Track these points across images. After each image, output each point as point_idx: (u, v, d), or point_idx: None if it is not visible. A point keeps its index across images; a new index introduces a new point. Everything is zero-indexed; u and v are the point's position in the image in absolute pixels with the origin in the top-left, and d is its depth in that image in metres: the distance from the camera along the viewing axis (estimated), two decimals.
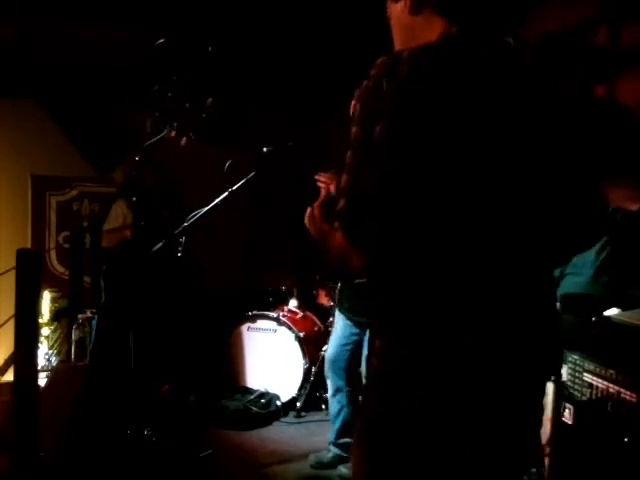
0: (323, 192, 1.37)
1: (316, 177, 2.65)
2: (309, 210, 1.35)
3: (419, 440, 1.15)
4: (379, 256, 1.15)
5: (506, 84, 1.17)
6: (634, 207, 2.03)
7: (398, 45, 1.33)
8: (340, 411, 3.29)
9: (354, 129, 1.13)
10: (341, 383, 3.30)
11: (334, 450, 3.34)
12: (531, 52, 1.26)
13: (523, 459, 1.30)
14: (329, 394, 3.37)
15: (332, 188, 2.63)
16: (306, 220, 1.37)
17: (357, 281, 1.30)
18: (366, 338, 3.12)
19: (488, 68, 1.17)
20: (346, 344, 3.27)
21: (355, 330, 3.25)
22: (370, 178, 1.09)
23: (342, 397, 3.29)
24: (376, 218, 1.11)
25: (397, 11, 1.31)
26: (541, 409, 1.28)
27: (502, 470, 1.22)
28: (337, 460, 3.30)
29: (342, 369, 3.29)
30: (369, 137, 1.10)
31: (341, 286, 3.44)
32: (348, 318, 3.28)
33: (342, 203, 1.13)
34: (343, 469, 3.24)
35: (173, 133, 3.04)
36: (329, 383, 3.36)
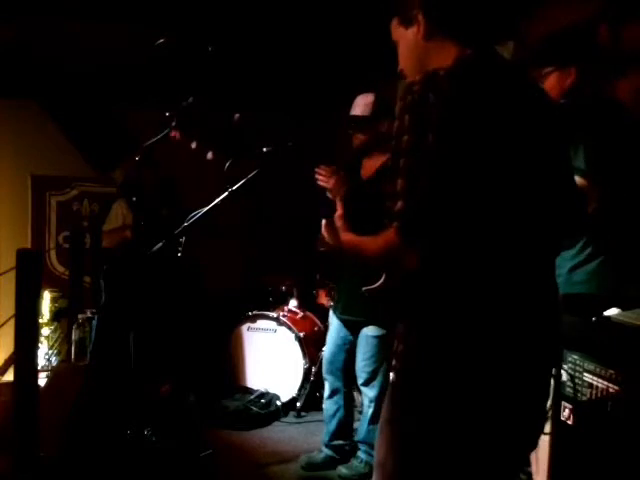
0: (339, 204, 1.47)
1: (316, 170, 2.65)
2: (325, 222, 1.48)
3: (453, 428, 1.27)
4: (432, 258, 1.25)
5: (525, 99, 1.31)
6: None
7: (408, 69, 1.43)
8: (336, 412, 3.29)
9: (406, 137, 1.22)
10: (339, 384, 3.29)
11: (326, 451, 3.32)
12: (521, 66, 1.48)
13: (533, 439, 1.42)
14: (325, 395, 3.35)
15: (331, 183, 2.63)
16: (324, 230, 1.50)
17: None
18: (360, 336, 3.15)
19: (506, 86, 1.29)
20: (342, 345, 3.27)
21: (348, 331, 3.25)
22: (425, 182, 1.19)
23: (339, 398, 3.28)
24: (431, 219, 1.21)
25: (408, 37, 1.40)
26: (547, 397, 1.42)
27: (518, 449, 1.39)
28: (329, 462, 3.29)
29: (339, 370, 3.29)
30: (421, 144, 1.19)
31: (337, 287, 3.43)
32: (340, 319, 3.29)
33: (400, 206, 1.22)
34: (343, 469, 3.23)
35: (174, 133, 3.04)
36: (326, 384, 3.36)
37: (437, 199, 1.19)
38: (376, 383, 3.13)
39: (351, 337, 3.24)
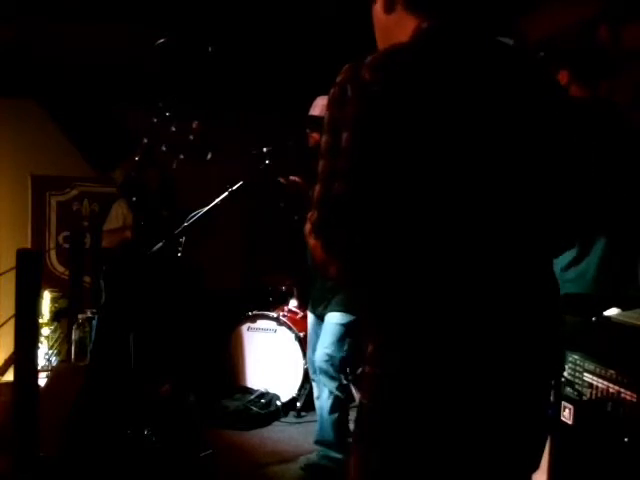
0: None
1: (280, 179, 2.65)
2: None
3: (420, 445, 1.13)
4: (358, 263, 1.13)
5: (480, 80, 1.13)
6: None
7: (379, 46, 1.30)
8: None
9: (324, 138, 1.11)
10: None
11: (322, 451, 3.31)
12: (507, 49, 1.22)
13: (531, 460, 1.26)
14: (315, 395, 3.35)
15: (294, 189, 2.62)
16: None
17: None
18: (323, 325, 3.18)
19: (460, 64, 1.12)
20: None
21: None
22: (340, 188, 1.07)
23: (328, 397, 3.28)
24: (348, 228, 1.08)
25: (375, 11, 1.29)
26: (546, 408, 1.27)
27: (509, 471, 1.21)
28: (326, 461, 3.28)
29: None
30: (337, 145, 1.08)
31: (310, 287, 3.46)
32: (313, 315, 3.32)
33: (314, 214, 1.11)
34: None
35: (173, 133, 3.04)
36: (314, 385, 3.35)
37: (351, 206, 1.06)
38: (334, 374, 3.12)
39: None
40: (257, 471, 3.32)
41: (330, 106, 1.11)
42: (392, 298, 1.13)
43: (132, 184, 3.99)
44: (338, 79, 1.10)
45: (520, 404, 1.16)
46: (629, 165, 2.19)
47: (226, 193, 3.04)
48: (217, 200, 3.01)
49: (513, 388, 1.15)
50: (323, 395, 3.20)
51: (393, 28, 1.24)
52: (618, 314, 1.89)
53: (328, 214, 1.09)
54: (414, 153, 1.07)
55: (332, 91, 1.11)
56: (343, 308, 3.13)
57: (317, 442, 3.30)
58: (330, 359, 3.12)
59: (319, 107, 3.08)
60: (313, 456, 3.34)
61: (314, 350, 3.28)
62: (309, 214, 1.17)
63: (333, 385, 3.14)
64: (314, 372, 3.31)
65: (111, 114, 4.96)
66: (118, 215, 4.09)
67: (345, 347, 3.14)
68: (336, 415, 3.16)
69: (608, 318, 1.89)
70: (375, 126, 1.06)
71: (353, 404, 3.38)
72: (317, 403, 3.32)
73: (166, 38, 3.61)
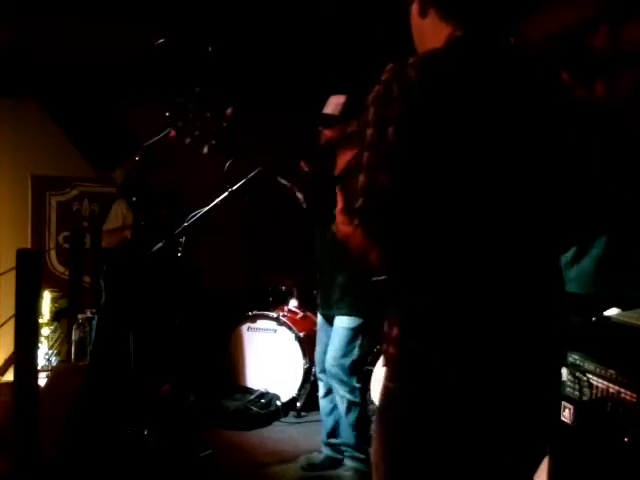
0: (340, 199, 1.39)
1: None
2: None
3: (442, 432, 1.19)
4: (397, 252, 1.21)
5: (510, 85, 1.21)
6: None
7: (416, 44, 1.36)
8: (332, 411, 3.28)
9: (369, 131, 1.18)
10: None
11: (326, 451, 3.32)
12: (532, 53, 1.29)
13: (543, 444, 1.35)
14: (320, 394, 3.35)
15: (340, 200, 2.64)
16: (333, 226, 1.42)
17: (375, 279, 1.34)
18: (333, 328, 3.16)
19: (493, 71, 1.21)
20: (328, 343, 3.27)
21: (331, 327, 3.25)
22: (385, 178, 1.14)
23: (333, 397, 3.28)
24: (392, 216, 1.16)
25: (413, 12, 1.35)
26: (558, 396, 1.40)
27: (524, 457, 1.30)
28: (328, 462, 3.28)
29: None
30: (383, 139, 1.15)
31: (317, 284, 3.45)
32: (322, 315, 3.31)
33: (360, 202, 1.18)
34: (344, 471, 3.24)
35: (173, 133, 3.04)
36: (320, 383, 3.36)
37: (396, 196, 1.15)
38: (345, 378, 3.11)
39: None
40: (257, 471, 3.33)
41: (375, 102, 1.18)
42: (424, 285, 1.21)
43: (132, 184, 3.99)
44: (383, 77, 1.17)
45: (528, 389, 1.24)
46: (628, 165, 2.19)
47: (226, 193, 3.04)
48: (217, 200, 3.01)
49: (522, 373, 1.22)
50: (337, 400, 3.21)
51: (427, 32, 1.31)
52: (618, 314, 1.89)
53: (373, 202, 1.16)
54: (449, 150, 1.15)
55: (377, 88, 1.18)
56: (351, 312, 3.11)
57: (328, 444, 3.31)
58: (340, 364, 3.11)
59: (332, 105, 3.10)
60: (315, 455, 3.35)
61: (322, 349, 3.29)
62: (339, 207, 1.29)
63: (345, 389, 3.13)
64: (320, 371, 3.31)
65: (111, 114, 4.96)
66: (118, 215, 4.09)
67: (356, 350, 3.12)
68: (353, 417, 3.15)
69: (608, 318, 1.89)
70: (419, 123, 1.14)
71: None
72: (321, 402, 3.34)
73: (166, 38, 3.61)
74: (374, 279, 1.45)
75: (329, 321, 3.25)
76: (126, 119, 4.88)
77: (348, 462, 3.20)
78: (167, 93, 3.43)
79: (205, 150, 2.48)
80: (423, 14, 1.30)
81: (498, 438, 1.22)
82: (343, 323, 3.13)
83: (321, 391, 3.35)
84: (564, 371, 1.96)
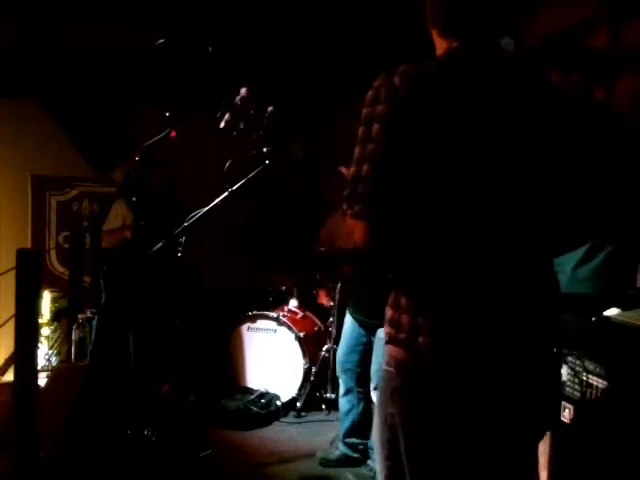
0: None
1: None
2: None
3: (440, 420, 1.28)
4: (383, 232, 1.32)
5: (493, 90, 1.33)
6: None
7: None
8: (350, 411, 3.29)
9: (360, 129, 1.31)
10: (351, 384, 3.29)
11: (342, 449, 3.35)
12: (528, 59, 1.46)
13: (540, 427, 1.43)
14: (340, 393, 3.38)
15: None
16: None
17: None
18: (375, 339, 3.09)
19: (476, 77, 1.33)
20: (355, 345, 3.26)
21: (362, 331, 3.23)
22: (368, 168, 1.28)
23: (352, 397, 3.28)
24: (373, 201, 1.28)
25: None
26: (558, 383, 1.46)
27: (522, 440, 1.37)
28: (344, 459, 3.31)
29: (352, 370, 3.28)
30: (369, 135, 1.29)
31: (349, 287, 3.44)
32: (354, 319, 3.28)
33: (347, 189, 1.32)
34: (350, 476, 3.24)
35: (173, 133, 3.04)
36: (341, 383, 3.37)
37: (376, 184, 1.27)
38: None
39: (366, 338, 3.21)
40: (257, 471, 3.33)
41: (366, 104, 1.32)
42: (405, 268, 1.34)
43: (132, 184, 3.99)
44: (375, 84, 1.32)
45: (528, 375, 1.32)
46: (628, 166, 2.19)
47: (226, 193, 3.04)
48: (217, 200, 3.01)
49: (521, 362, 1.31)
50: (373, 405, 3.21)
51: (436, 44, 1.43)
52: (618, 314, 1.89)
53: (357, 190, 1.29)
54: (427, 148, 1.27)
55: (369, 93, 1.32)
56: None
57: (346, 443, 3.33)
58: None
59: None
60: (331, 451, 3.40)
61: (345, 350, 3.29)
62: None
63: None
64: (341, 370, 3.33)
65: (111, 114, 4.96)
66: (118, 215, 4.09)
67: None
68: None
69: (608, 318, 1.89)
70: (399, 122, 1.27)
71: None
72: (340, 401, 3.37)
73: (166, 38, 3.60)
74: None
75: (364, 326, 3.21)
76: (126, 119, 4.88)
77: (372, 463, 3.20)
78: (167, 93, 3.44)
79: (225, 168, 2.56)
80: (430, 28, 1.43)
81: (489, 427, 1.30)
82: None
83: (341, 390, 3.36)
84: (564, 371, 1.96)
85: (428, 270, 1.30)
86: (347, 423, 3.32)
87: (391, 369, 1.34)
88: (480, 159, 1.29)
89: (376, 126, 1.28)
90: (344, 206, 1.32)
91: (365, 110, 1.31)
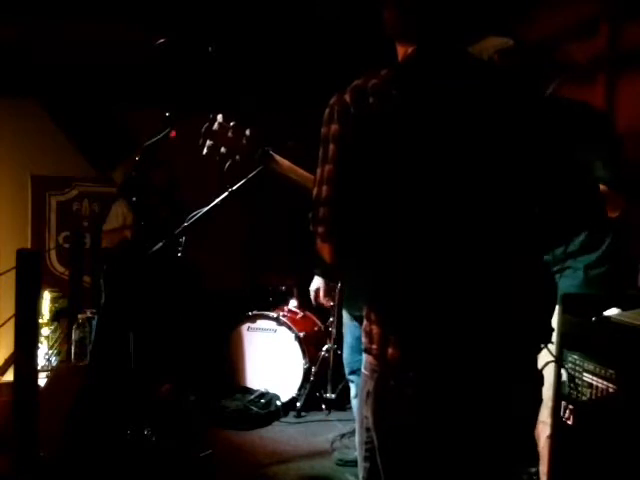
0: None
1: None
2: None
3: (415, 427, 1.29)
4: (342, 251, 1.33)
5: (444, 96, 1.29)
6: (613, 215, 2.04)
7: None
8: None
9: (320, 149, 1.32)
10: None
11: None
12: (485, 66, 1.43)
13: (522, 440, 1.45)
14: (352, 394, 3.37)
15: None
16: None
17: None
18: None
19: (434, 85, 1.30)
20: (357, 345, 3.24)
21: (360, 329, 3.23)
22: (326, 190, 1.29)
23: None
24: (334, 222, 1.30)
25: None
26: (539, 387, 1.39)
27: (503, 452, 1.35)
28: None
29: (360, 370, 3.27)
30: (326, 155, 1.30)
31: (341, 286, 3.44)
32: (349, 315, 3.28)
33: (312, 211, 1.33)
34: (350, 477, 3.25)
35: (173, 133, 3.04)
36: (351, 386, 3.36)
37: (337, 207, 1.28)
38: None
39: None
40: (257, 471, 3.32)
41: (323, 123, 1.31)
42: (371, 284, 1.35)
43: (132, 184, 3.99)
44: (330, 101, 1.31)
45: (495, 380, 1.30)
46: (616, 166, 2.18)
47: (226, 193, 3.03)
48: (217, 200, 3.01)
49: (501, 365, 1.30)
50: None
51: (397, 49, 1.40)
52: (618, 314, 1.89)
53: (319, 212, 1.30)
54: (382, 164, 1.27)
55: (325, 111, 1.31)
56: None
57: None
58: None
59: None
60: (348, 452, 3.41)
61: (349, 350, 3.29)
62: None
63: None
64: (350, 372, 3.32)
65: (111, 114, 4.96)
66: (118, 215, 4.09)
67: None
68: None
69: (608, 318, 1.89)
70: (352, 140, 1.27)
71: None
72: (353, 402, 3.35)
73: (166, 38, 3.61)
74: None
75: (357, 320, 3.22)
76: (126, 119, 4.88)
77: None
78: (167, 93, 3.44)
79: (227, 165, 2.53)
80: (388, 35, 1.41)
81: (467, 430, 1.29)
82: None
83: (352, 392, 3.35)
84: (564, 371, 1.96)
85: (393, 285, 1.30)
86: None
87: (366, 373, 1.38)
88: (431, 167, 1.27)
89: (331, 146, 1.28)
90: (310, 227, 1.33)
91: (322, 130, 1.31)
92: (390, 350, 1.29)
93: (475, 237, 1.29)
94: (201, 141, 2.21)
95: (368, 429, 1.37)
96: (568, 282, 2.17)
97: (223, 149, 2.08)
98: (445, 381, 1.27)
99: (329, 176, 1.28)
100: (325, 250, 1.32)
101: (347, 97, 1.28)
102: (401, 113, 1.26)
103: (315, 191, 1.31)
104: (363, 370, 1.40)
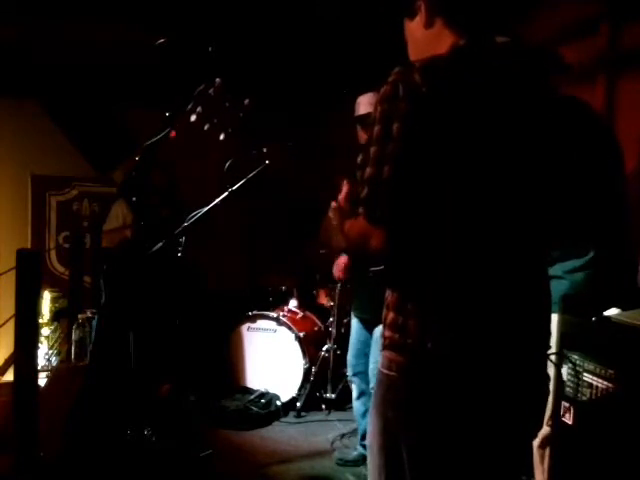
0: (345, 188, 1.48)
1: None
2: (334, 203, 1.50)
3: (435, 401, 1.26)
4: (398, 238, 1.27)
5: (507, 91, 1.32)
6: None
7: (413, 57, 1.45)
8: (365, 413, 3.26)
9: (376, 128, 1.26)
10: (364, 386, 3.27)
11: (360, 450, 3.36)
12: (529, 56, 1.41)
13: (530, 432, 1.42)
14: (354, 396, 3.37)
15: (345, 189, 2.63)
16: (331, 213, 1.52)
17: (373, 269, 1.41)
18: (373, 338, 3.10)
19: (492, 77, 1.31)
20: (363, 348, 3.25)
21: (368, 333, 3.21)
22: (388, 170, 1.23)
23: (367, 400, 3.24)
24: (393, 204, 1.24)
25: (412, 27, 1.43)
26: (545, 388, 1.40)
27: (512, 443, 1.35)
28: (362, 459, 3.32)
29: (363, 372, 3.26)
30: (389, 134, 1.24)
31: (349, 287, 3.43)
32: (357, 318, 3.28)
33: (365, 191, 1.27)
34: (351, 477, 3.25)
35: (173, 133, 3.04)
36: (353, 387, 3.37)
37: (397, 187, 1.23)
38: None
39: (372, 339, 3.20)
40: (257, 471, 3.33)
41: (382, 101, 1.26)
42: (420, 273, 1.29)
43: (132, 184, 3.99)
44: (390, 79, 1.26)
45: (514, 379, 1.31)
46: (618, 168, 2.18)
47: (226, 193, 3.04)
48: (217, 200, 3.01)
49: (508, 364, 1.30)
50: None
51: (430, 42, 1.38)
52: (618, 314, 1.89)
53: (378, 192, 1.25)
54: (446, 148, 1.24)
55: (385, 88, 1.26)
56: None
57: (363, 445, 3.31)
58: None
59: (365, 105, 3.03)
60: (348, 452, 3.43)
61: (354, 353, 3.28)
62: (341, 197, 1.42)
63: None
64: (352, 374, 3.32)
65: (111, 114, 4.96)
66: (118, 215, 4.09)
67: None
68: None
69: (608, 318, 1.89)
70: (421, 121, 1.23)
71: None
72: (355, 404, 3.36)
73: (166, 38, 3.61)
74: (372, 269, 1.50)
75: (367, 327, 3.20)
76: (126, 119, 4.88)
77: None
78: (167, 93, 3.43)
79: (222, 137, 2.49)
80: (429, 25, 1.38)
81: (488, 424, 1.29)
82: None
83: (354, 393, 3.36)
84: (564, 371, 1.96)
85: (441, 276, 1.26)
86: (363, 425, 3.30)
87: (393, 373, 1.30)
88: (494, 160, 1.27)
89: (396, 125, 1.22)
90: (360, 209, 1.27)
91: (381, 107, 1.25)
92: (430, 344, 1.24)
93: (514, 232, 1.31)
94: (190, 106, 2.14)
95: (392, 433, 1.29)
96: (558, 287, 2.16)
97: (215, 120, 2.02)
98: (489, 374, 1.26)
99: (393, 155, 1.22)
100: (377, 235, 1.25)
101: (417, 76, 1.23)
102: (469, 102, 1.25)
103: (370, 171, 1.25)
104: (385, 370, 1.32)
